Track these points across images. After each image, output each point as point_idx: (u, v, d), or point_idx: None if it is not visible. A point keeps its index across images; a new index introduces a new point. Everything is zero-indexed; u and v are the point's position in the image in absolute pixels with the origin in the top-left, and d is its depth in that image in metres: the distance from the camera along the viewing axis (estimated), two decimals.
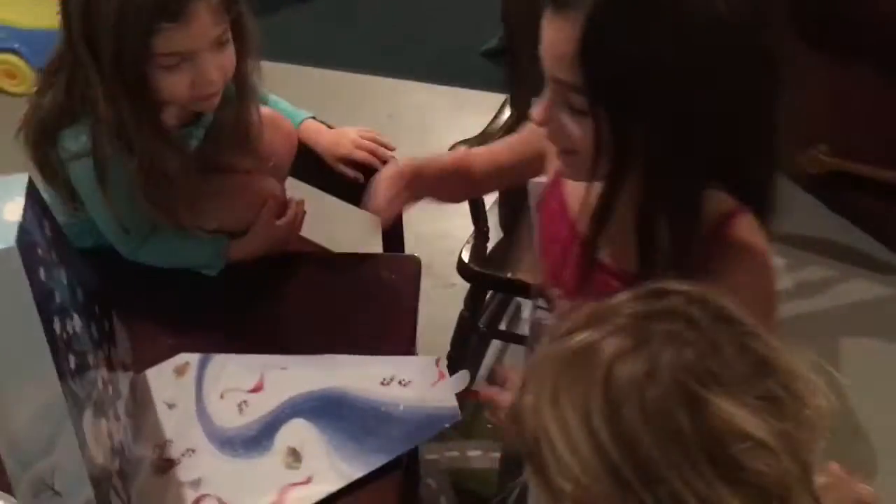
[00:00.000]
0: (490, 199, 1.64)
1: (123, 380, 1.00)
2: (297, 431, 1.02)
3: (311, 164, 1.35)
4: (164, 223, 1.15)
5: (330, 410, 1.04)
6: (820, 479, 0.61)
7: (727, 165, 0.80)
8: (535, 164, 1.02)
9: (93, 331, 0.89)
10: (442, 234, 2.06)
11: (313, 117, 1.36)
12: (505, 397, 0.93)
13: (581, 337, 0.60)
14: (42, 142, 1.11)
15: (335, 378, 1.08)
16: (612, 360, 0.57)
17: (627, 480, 0.54)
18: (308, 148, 1.34)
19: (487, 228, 1.62)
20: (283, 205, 1.26)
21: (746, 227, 0.83)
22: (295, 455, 0.99)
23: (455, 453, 1.65)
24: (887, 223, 2.04)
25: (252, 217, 1.22)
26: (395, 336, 1.15)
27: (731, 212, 0.83)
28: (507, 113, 1.64)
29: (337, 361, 1.10)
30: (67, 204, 1.15)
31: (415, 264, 1.24)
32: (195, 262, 1.21)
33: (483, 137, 1.54)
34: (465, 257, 1.57)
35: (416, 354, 1.14)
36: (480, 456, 1.66)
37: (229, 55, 1.09)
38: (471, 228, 1.60)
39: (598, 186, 0.82)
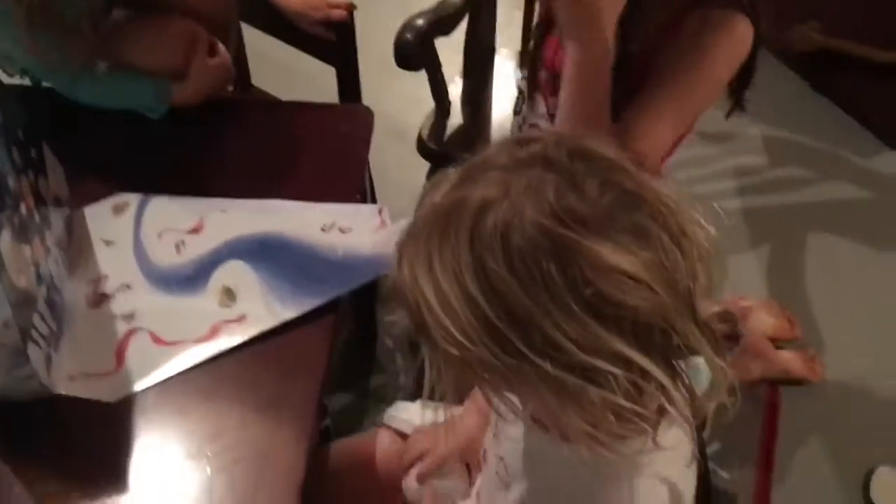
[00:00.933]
0: (453, 73, 1.59)
1: (56, 214, 0.99)
2: (233, 272, 1.01)
3: (280, 21, 1.31)
4: (99, 58, 1.11)
5: (267, 253, 1.03)
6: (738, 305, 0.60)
7: None
8: None
9: (14, 156, 0.87)
10: (411, 99, 2.02)
11: None
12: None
13: (450, 196, 0.58)
14: None
15: (275, 222, 1.07)
16: (476, 214, 0.56)
17: (504, 333, 0.54)
18: (277, 5, 1.29)
19: (449, 103, 1.57)
20: (213, 45, 1.21)
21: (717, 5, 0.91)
22: (229, 294, 0.99)
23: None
24: (872, 106, 2.00)
25: (183, 60, 1.17)
26: (342, 185, 1.13)
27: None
28: None
29: (279, 206, 1.09)
30: None
31: (367, 114, 1.21)
32: (137, 103, 1.17)
33: (436, 9, 1.46)
34: (424, 135, 1.53)
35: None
36: None
37: None
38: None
39: None
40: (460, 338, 0.55)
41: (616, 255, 0.53)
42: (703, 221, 0.57)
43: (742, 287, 1.71)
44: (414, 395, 1.10)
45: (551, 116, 1.07)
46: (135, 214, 1.08)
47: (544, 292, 0.53)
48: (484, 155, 0.60)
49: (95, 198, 1.09)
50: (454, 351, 0.55)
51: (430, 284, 0.56)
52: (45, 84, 1.20)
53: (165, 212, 1.08)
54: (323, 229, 1.07)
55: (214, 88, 1.20)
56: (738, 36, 0.92)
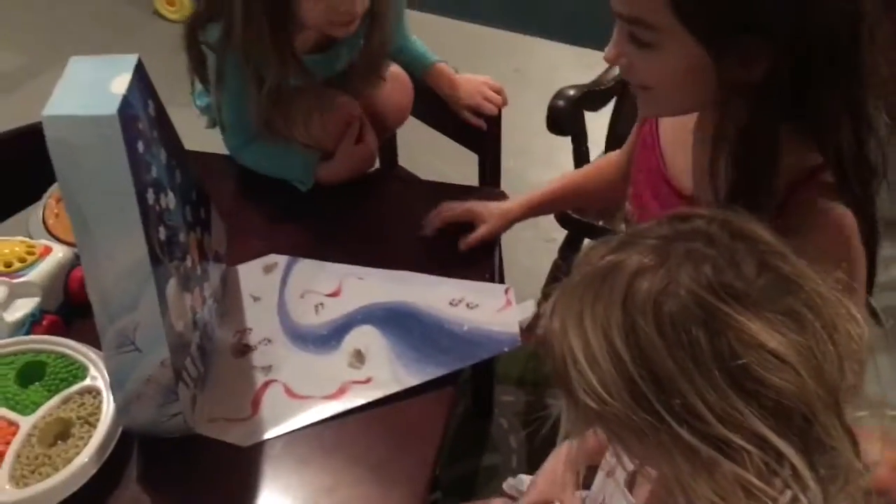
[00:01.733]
0: (595, 150, 1.64)
1: (215, 268, 1.09)
2: (365, 336, 1.08)
3: (434, 107, 1.41)
4: (268, 128, 1.23)
5: (398, 321, 1.09)
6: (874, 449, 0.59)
7: (812, 108, 0.77)
8: (614, 188, 1.12)
9: (187, 213, 0.97)
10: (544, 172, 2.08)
11: (444, 62, 1.41)
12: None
13: (607, 259, 0.61)
14: (190, 30, 1.22)
15: (408, 293, 1.13)
16: (632, 277, 0.58)
17: (644, 393, 0.56)
18: (433, 91, 1.40)
19: None
20: (363, 130, 1.31)
21: (826, 189, 0.79)
22: (359, 356, 1.05)
23: (531, 398, 1.68)
24: None
25: (334, 141, 1.28)
26: (473, 264, 1.18)
27: (814, 169, 0.79)
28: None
29: (411, 278, 1.15)
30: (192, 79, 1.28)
31: (501, 198, 1.27)
32: (288, 174, 1.28)
33: (593, 84, 1.53)
34: None
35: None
36: (555, 406, 1.68)
37: None
38: None
39: (685, 118, 0.86)
40: (601, 392, 0.57)
41: (765, 333, 0.54)
42: (859, 318, 0.58)
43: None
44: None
45: None
46: (282, 275, 1.16)
47: (690, 359, 0.55)
48: (646, 225, 0.64)
49: (249, 256, 1.19)
50: (593, 404, 0.57)
51: (578, 338, 0.59)
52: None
53: (309, 275, 1.16)
54: (451, 303, 1.12)
55: (356, 172, 1.30)
56: (845, 238, 0.79)
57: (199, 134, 1.30)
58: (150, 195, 0.85)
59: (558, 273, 1.66)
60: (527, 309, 1.10)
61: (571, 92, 1.46)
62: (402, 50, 1.37)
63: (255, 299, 1.13)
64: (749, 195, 0.77)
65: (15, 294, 1.04)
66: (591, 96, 1.50)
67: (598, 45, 2.91)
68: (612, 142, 1.64)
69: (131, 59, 0.84)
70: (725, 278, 0.56)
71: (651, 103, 0.87)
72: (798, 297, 0.56)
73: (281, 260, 1.19)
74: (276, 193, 1.28)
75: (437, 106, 1.40)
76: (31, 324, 1.03)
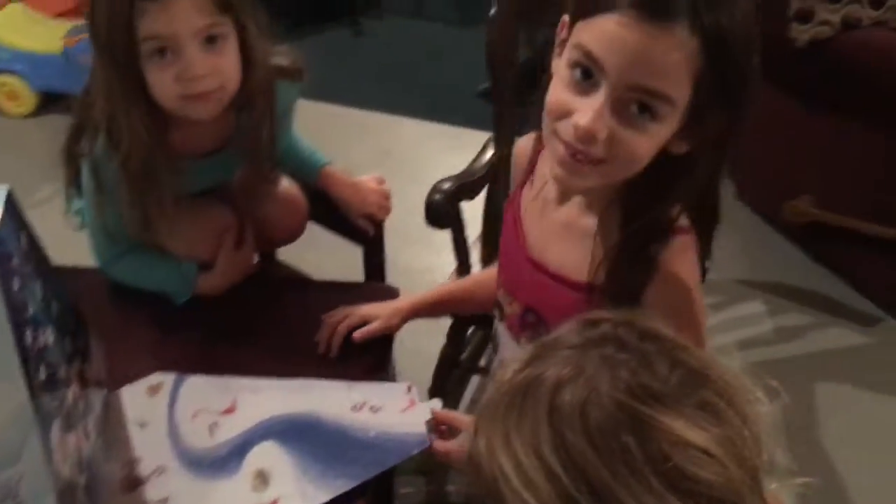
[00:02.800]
0: (473, 234, 1.67)
1: (96, 396, 1.01)
2: (267, 453, 1.02)
3: (318, 204, 1.39)
4: (142, 238, 1.17)
5: (300, 434, 1.05)
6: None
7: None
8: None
9: (66, 345, 0.90)
10: (427, 268, 2.09)
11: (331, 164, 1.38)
12: (452, 445, 1.01)
13: (524, 374, 0.62)
14: (68, 144, 1.15)
15: (307, 402, 1.09)
16: (553, 391, 0.59)
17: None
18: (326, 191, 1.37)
19: (470, 265, 1.64)
20: (241, 236, 1.27)
21: (680, 248, 0.90)
22: (262, 477, 1.00)
23: (431, 487, 1.65)
24: (867, 275, 2.07)
25: (211, 251, 1.24)
26: (369, 364, 1.16)
27: (680, 228, 0.90)
28: (489, 152, 1.67)
29: (310, 386, 1.11)
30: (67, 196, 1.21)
31: (392, 294, 1.26)
32: (164, 287, 1.22)
33: (466, 175, 1.56)
34: None
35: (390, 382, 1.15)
36: (456, 492, 1.67)
37: (227, 58, 1.08)
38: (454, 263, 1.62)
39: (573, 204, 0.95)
40: None
41: (689, 430, 0.56)
42: (760, 396, 0.61)
43: None
44: None
45: None
46: (169, 395, 1.10)
47: (624, 466, 0.55)
48: (554, 335, 0.64)
49: (130, 378, 1.11)
50: None
51: (508, 458, 0.58)
52: None
53: (199, 392, 1.10)
54: (354, 408, 1.08)
55: (237, 279, 1.25)
56: (691, 268, 0.91)
57: (57, 237, 1.22)
58: (29, 335, 0.78)
59: (447, 361, 1.66)
60: (431, 408, 1.08)
61: (447, 185, 1.47)
62: (289, 152, 1.33)
63: (142, 425, 1.06)
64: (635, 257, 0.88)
65: None
66: (467, 186, 1.52)
67: (460, 121, 3.03)
68: (488, 232, 1.68)
69: (1, 192, 0.78)
70: (643, 380, 0.58)
71: (594, 177, 0.85)
72: (709, 388, 0.59)
73: (167, 379, 1.12)
74: (157, 306, 1.21)
75: (323, 204, 1.38)
76: None
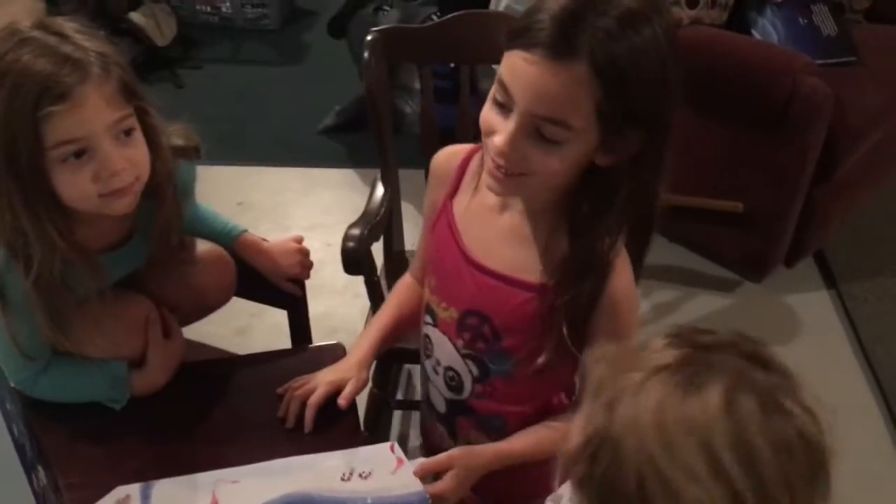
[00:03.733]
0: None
1: None
2: None
3: (244, 278, 1.32)
4: (62, 346, 1.07)
5: None
6: None
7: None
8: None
9: (51, 479, 0.81)
10: (325, 313, 2.05)
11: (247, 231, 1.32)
12: (442, 486, 1.03)
13: (675, 379, 0.63)
14: None
15: (294, 482, 1.04)
16: (728, 398, 0.60)
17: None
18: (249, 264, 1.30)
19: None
20: (166, 324, 1.19)
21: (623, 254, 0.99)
22: None
23: None
24: (721, 247, 2.28)
25: (137, 341, 1.15)
26: (339, 427, 1.13)
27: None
28: (380, 190, 1.67)
29: (290, 464, 1.07)
30: None
31: (340, 351, 1.23)
32: (96, 395, 1.12)
33: (367, 217, 1.55)
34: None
35: (364, 442, 1.13)
36: None
37: (139, 149, 1.02)
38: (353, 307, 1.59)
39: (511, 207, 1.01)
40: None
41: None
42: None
43: None
44: None
45: (464, 356, 1.10)
46: None
47: (792, 466, 0.60)
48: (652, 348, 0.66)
49: (90, 499, 1.01)
50: None
51: (671, 462, 0.59)
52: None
53: (174, 496, 1.02)
54: (343, 478, 1.05)
55: (173, 370, 1.17)
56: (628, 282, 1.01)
57: None
58: (34, 481, 0.70)
59: (378, 403, 1.64)
60: (418, 467, 1.07)
61: (357, 231, 1.46)
62: (199, 226, 1.26)
63: None
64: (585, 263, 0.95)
65: None
66: (374, 228, 1.52)
67: (311, 161, 2.99)
68: (391, 271, 1.68)
69: None
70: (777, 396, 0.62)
71: (521, 187, 0.94)
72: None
73: (133, 490, 1.03)
74: (97, 416, 1.11)
75: (241, 274, 1.32)
76: None
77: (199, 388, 1.17)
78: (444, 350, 1.11)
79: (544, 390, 1.11)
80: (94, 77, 0.94)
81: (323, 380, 1.13)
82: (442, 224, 1.08)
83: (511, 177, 0.91)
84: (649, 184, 0.97)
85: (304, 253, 1.33)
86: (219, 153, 2.64)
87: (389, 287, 1.63)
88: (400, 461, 1.08)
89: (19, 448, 0.67)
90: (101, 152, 0.97)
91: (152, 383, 1.15)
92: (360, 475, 1.06)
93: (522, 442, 1.08)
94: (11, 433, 0.65)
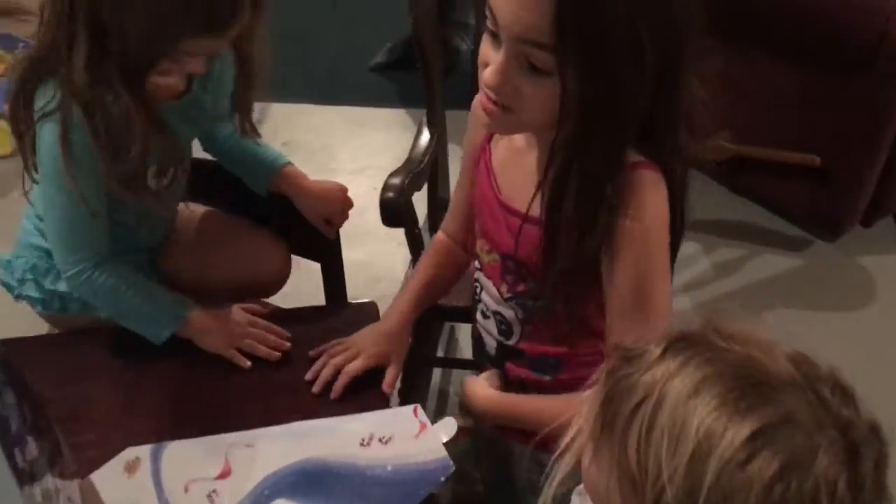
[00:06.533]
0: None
1: (74, 491, 0.88)
2: None
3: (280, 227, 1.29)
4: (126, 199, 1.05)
5: (313, 484, 0.95)
6: None
7: (650, 123, 0.85)
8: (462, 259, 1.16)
9: (45, 448, 0.77)
10: (366, 261, 1.99)
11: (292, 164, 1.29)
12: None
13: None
14: (18, 95, 0.99)
15: (310, 447, 0.99)
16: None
17: None
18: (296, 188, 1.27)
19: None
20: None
21: (640, 183, 0.87)
22: None
23: None
24: (791, 202, 2.12)
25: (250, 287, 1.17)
26: (367, 393, 1.06)
27: (638, 163, 0.87)
28: (425, 135, 1.57)
29: (307, 428, 1.01)
30: (29, 173, 1.04)
31: (373, 310, 1.17)
32: (142, 316, 1.07)
33: (409, 165, 1.47)
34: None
35: (391, 405, 1.07)
36: None
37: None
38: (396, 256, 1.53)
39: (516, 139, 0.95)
40: None
41: None
42: None
43: None
44: None
45: (507, 300, 1.03)
46: (151, 470, 0.97)
47: None
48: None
49: (100, 459, 0.97)
50: None
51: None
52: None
53: (185, 459, 0.98)
54: (362, 444, 1.00)
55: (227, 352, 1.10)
56: (659, 202, 0.89)
57: None
58: (18, 457, 0.65)
59: (416, 358, 1.57)
60: (448, 427, 1.01)
61: (397, 180, 1.38)
62: (246, 150, 1.24)
63: None
64: (589, 199, 0.85)
65: None
66: (415, 179, 1.43)
67: (359, 100, 2.88)
68: (434, 221, 1.60)
69: None
70: None
71: (513, 123, 0.88)
72: None
73: (142, 451, 0.98)
74: (113, 370, 1.06)
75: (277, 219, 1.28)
76: None
77: None
78: (491, 295, 1.05)
79: (585, 332, 1.01)
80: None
81: (365, 350, 1.08)
82: (481, 168, 1.03)
83: (506, 112, 0.85)
84: (659, 111, 0.85)
85: (345, 199, 1.28)
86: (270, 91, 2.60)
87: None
88: (423, 425, 1.01)
89: (2, 423, 0.61)
90: (203, 60, 1.02)
91: (203, 343, 1.09)
92: (381, 440, 1.00)
93: (528, 406, 1.02)
94: None
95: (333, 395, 1.05)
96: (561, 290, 0.92)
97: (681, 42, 0.81)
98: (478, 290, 1.09)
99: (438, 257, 1.18)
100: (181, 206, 1.27)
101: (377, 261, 2.03)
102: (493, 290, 1.04)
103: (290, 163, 1.28)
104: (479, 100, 0.97)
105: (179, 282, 1.21)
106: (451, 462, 0.97)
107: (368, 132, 2.50)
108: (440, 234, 1.19)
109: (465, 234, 1.14)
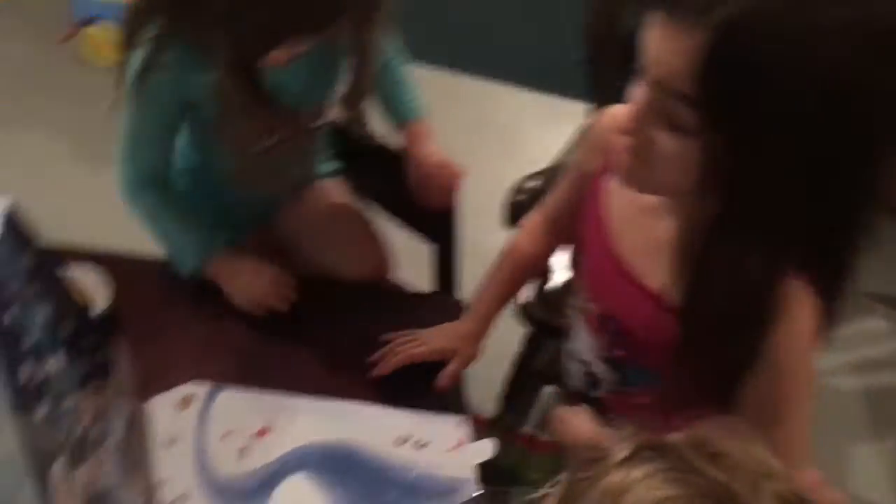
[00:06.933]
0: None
1: (120, 414, 0.93)
2: (298, 490, 0.93)
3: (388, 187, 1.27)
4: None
5: (335, 468, 0.95)
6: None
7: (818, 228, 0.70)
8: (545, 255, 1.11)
9: (80, 366, 0.82)
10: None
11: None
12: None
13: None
14: (138, 13, 1.01)
15: (349, 430, 0.99)
16: None
17: None
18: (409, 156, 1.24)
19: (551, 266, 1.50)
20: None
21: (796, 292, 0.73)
22: None
23: None
24: None
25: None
26: (423, 388, 1.05)
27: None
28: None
29: (353, 411, 1.02)
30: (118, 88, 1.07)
31: (454, 307, 1.14)
32: (173, 243, 1.13)
33: (554, 168, 1.41)
34: (524, 296, 1.45)
35: (448, 411, 1.04)
36: None
37: None
38: None
39: (649, 201, 0.81)
40: None
41: None
42: None
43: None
44: None
45: (600, 358, 0.95)
46: (200, 410, 1.01)
47: None
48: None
49: (161, 387, 1.03)
50: None
51: None
52: None
53: (232, 409, 1.02)
54: (396, 442, 0.98)
55: (246, 305, 1.12)
56: (808, 315, 0.75)
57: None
58: (25, 370, 0.70)
59: (522, 369, 1.52)
60: (485, 449, 0.97)
61: (533, 184, 1.33)
62: (398, 78, 1.23)
63: (170, 442, 0.98)
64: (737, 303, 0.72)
65: None
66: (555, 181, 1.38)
67: (562, 91, 2.71)
68: None
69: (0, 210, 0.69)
70: None
71: (645, 180, 0.76)
72: None
73: (201, 390, 1.03)
74: (201, 306, 1.12)
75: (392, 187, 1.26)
76: None
77: (311, 303, 1.13)
78: (583, 342, 0.98)
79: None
80: None
81: (431, 343, 1.06)
82: (590, 206, 0.93)
83: (639, 162, 0.74)
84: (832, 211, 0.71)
85: (446, 182, 1.23)
86: (467, 63, 2.57)
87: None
88: (461, 440, 0.98)
89: (7, 339, 0.66)
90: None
91: (225, 290, 1.12)
92: (416, 443, 0.98)
93: (484, 291, 1.05)
94: None
95: (382, 370, 1.04)
96: (682, 387, 0.81)
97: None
98: (569, 326, 1.02)
99: (515, 268, 1.12)
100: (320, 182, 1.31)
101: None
102: (587, 338, 0.96)
103: (418, 118, 1.23)
104: (611, 125, 0.87)
105: (288, 248, 1.25)
106: (474, 489, 0.93)
107: (563, 124, 2.43)
108: (520, 243, 1.11)
109: (547, 250, 1.09)
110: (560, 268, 1.51)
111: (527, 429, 1.54)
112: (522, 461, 1.27)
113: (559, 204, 1.04)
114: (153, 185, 1.12)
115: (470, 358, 1.08)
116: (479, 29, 2.70)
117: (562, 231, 1.05)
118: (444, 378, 1.05)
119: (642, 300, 0.84)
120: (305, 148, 1.20)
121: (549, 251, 1.11)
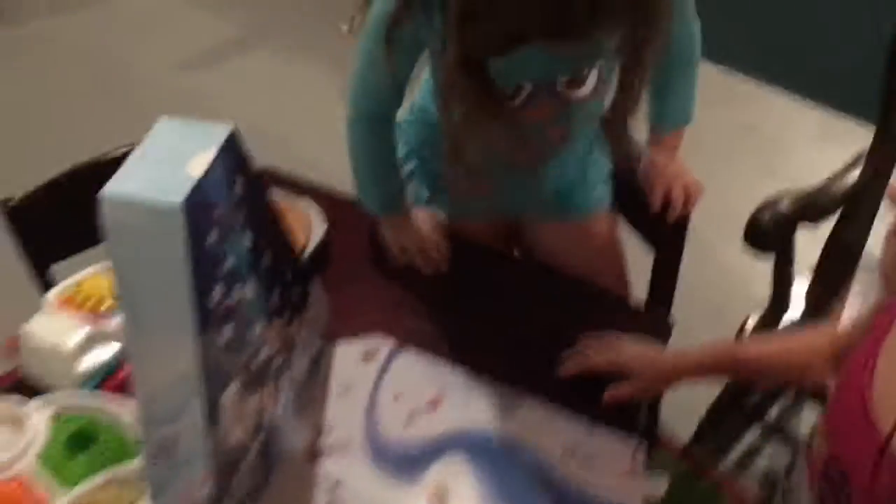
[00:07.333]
0: (804, 268, 1.36)
1: (304, 352, 0.95)
2: (454, 470, 0.90)
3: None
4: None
5: (497, 458, 0.91)
6: None
7: None
8: (807, 372, 0.92)
9: (273, 297, 0.84)
10: (743, 278, 1.78)
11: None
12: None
13: None
14: None
15: (515, 423, 0.95)
16: None
17: None
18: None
19: (787, 305, 1.34)
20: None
21: None
22: (440, 497, 0.88)
23: None
24: None
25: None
26: (610, 405, 0.97)
27: None
28: (859, 169, 1.32)
29: (527, 406, 0.97)
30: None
31: (665, 327, 1.05)
32: (364, 184, 1.14)
33: (816, 194, 1.25)
34: (749, 325, 1.32)
35: (627, 428, 0.96)
36: None
37: None
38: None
39: None
40: None
41: None
42: None
43: None
44: None
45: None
46: (380, 366, 1.01)
47: None
48: None
49: (351, 332, 1.04)
50: None
51: None
52: None
53: (410, 372, 1.01)
54: (564, 452, 0.92)
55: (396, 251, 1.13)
56: None
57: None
58: (218, 292, 0.72)
59: (726, 402, 1.38)
60: (654, 486, 0.88)
61: (783, 205, 1.19)
62: (668, 82, 1.14)
63: (346, 390, 0.99)
64: None
65: (97, 338, 0.96)
66: (812, 208, 1.22)
67: (842, 108, 2.42)
68: (824, 270, 1.36)
69: (222, 132, 0.71)
70: None
71: None
72: None
73: (384, 347, 1.03)
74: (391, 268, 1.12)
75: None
76: (104, 375, 0.95)
77: (512, 287, 1.11)
78: (802, 479, 0.83)
79: None
80: None
81: (621, 355, 0.98)
82: (874, 333, 0.75)
83: None
84: None
85: (680, 196, 1.14)
86: (744, 62, 2.36)
87: (815, 293, 1.32)
88: (633, 469, 0.90)
89: (205, 258, 0.68)
90: None
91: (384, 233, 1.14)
92: (584, 456, 0.91)
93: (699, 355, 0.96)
94: (197, 241, 0.66)
95: (566, 370, 0.99)
96: None
97: None
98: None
99: (786, 346, 0.95)
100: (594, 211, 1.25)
101: (742, 273, 1.80)
102: (805, 479, 0.81)
103: (677, 128, 1.17)
104: None
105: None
106: None
107: (836, 146, 2.19)
108: (823, 329, 0.94)
109: (825, 367, 0.89)
110: (794, 304, 1.35)
111: (722, 468, 1.41)
112: (709, 501, 1.15)
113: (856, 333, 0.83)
114: (375, 122, 1.10)
115: (645, 391, 0.98)
116: (760, 30, 2.48)
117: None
118: (609, 395, 0.96)
119: (886, 457, 0.67)
120: (527, 138, 1.11)
121: (816, 376, 0.93)
